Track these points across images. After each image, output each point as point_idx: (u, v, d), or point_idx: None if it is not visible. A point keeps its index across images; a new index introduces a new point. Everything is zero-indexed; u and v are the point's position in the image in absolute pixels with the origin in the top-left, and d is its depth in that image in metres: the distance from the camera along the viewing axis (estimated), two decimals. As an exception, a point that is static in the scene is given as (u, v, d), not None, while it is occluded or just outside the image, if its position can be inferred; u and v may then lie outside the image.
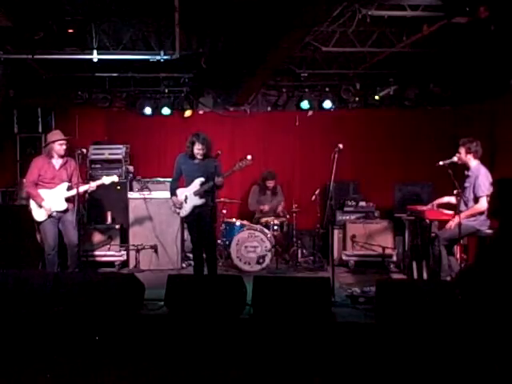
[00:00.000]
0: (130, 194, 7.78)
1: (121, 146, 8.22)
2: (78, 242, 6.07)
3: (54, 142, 6.11)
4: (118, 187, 7.73)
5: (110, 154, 8.09)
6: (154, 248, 7.67)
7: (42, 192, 6.12)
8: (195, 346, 4.32)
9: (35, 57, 6.60)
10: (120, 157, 8.10)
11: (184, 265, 7.80)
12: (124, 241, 7.74)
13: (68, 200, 6.17)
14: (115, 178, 6.45)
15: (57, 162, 6.20)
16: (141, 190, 7.83)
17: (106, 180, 6.29)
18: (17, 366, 4.01)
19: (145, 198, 7.74)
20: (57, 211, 6.11)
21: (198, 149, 6.03)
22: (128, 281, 5.33)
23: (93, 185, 6.21)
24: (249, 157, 6.10)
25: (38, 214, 6.14)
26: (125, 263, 7.68)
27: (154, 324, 4.89)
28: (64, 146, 6.14)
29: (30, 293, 5.17)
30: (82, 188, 6.11)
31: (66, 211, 6.14)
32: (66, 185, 6.11)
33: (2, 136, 8.37)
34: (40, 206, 6.10)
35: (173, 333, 4.68)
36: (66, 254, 6.24)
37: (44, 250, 6.63)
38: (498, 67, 7.23)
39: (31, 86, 8.27)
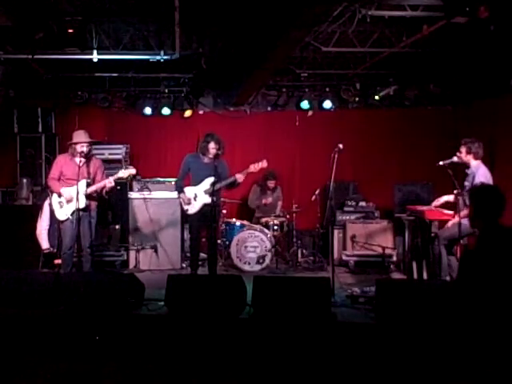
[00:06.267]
0: (130, 194, 7.78)
1: (121, 146, 8.23)
2: (91, 242, 6.10)
3: (75, 143, 6.03)
4: (118, 187, 7.72)
5: (110, 154, 8.10)
6: (154, 248, 7.67)
7: (63, 189, 6.05)
8: (195, 346, 4.32)
9: (35, 57, 6.58)
10: (120, 157, 8.12)
11: (184, 265, 7.79)
12: (124, 241, 7.74)
13: (89, 198, 6.05)
14: (133, 171, 6.28)
15: (79, 159, 6.02)
16: (141, 190, 7.82)
17: (124, 173, 6.14)
18: (17, 366, 4.00)
19: (145, 198, 7.74)
20: (78, 208, 5.92)
21: (212, 148, 6.25)
22: (128, 281, 5.34)
23: (110, 179, 6.06)
24: (264, 160, 6.36)
25: (60, 213, 6.10)
26: (125, 263, 7.67)
27: (154, 324, 4.89)
28: (84, 148, 6.01)
29: (29, 293, 5.18)
30: (100, 183, 6.05)
31: (86, 209, 6.01)
32: (85, 182, 5.96)
33: (2, 136, 8.37)
34: (60, 197, 6.02)
35: (173, 333, 4.69)
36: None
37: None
38: (498, 67, 7.22)
39: (31, 86, 8.26)
